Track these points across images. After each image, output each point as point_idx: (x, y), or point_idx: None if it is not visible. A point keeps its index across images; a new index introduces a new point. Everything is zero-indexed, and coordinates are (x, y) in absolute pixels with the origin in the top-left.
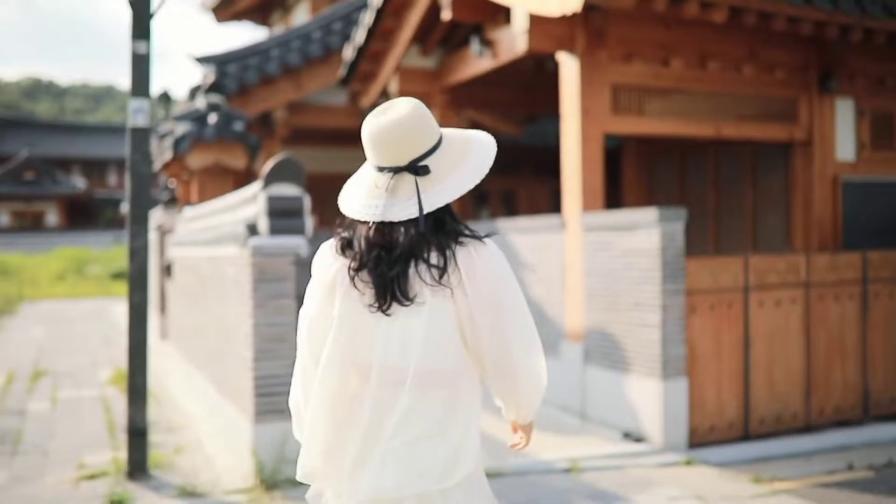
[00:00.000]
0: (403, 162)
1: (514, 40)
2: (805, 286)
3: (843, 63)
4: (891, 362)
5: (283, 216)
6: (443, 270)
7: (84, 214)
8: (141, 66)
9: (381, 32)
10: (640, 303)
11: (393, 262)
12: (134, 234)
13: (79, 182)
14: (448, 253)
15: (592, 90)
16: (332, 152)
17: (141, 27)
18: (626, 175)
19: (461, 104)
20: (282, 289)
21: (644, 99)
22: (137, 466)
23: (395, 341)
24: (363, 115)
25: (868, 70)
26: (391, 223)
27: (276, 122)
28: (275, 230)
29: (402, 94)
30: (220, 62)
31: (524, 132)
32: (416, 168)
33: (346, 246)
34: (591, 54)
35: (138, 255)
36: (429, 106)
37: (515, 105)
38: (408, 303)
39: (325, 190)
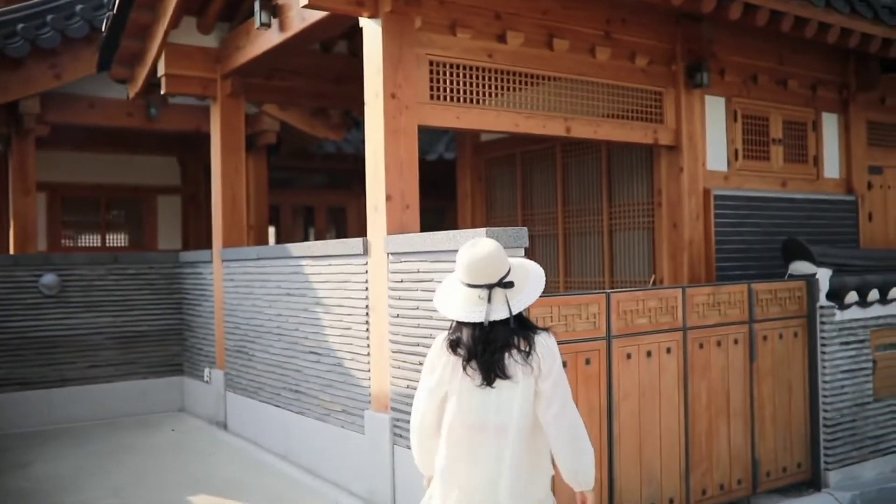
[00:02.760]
0: (494, 280)
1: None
2: (682, 330)
3: (712, 54)
4: (781, 421)
5: None
6: (528, 354)
7: None
8: None
9: None
10: None
11: (494, 351)
12: None
13: None
14: (531, 341)
15: (403, 67)
16: (104, 157)
17: None
18: (461, 189)
19: (256, 96)
20: None
21: (474, 83)
22: None
23: (500, 406)
24: (149, 109)
25: (740, 64)
26: (491, 323)
27: (25, 117)
28: None
29: (172, 79)
30: None
31: (350, 138)
32: (505, 283)
33: (455, 344)
34: (399, 18)
35: None
36: (207, 96)
37: (327, 101)
38: (507, 379)
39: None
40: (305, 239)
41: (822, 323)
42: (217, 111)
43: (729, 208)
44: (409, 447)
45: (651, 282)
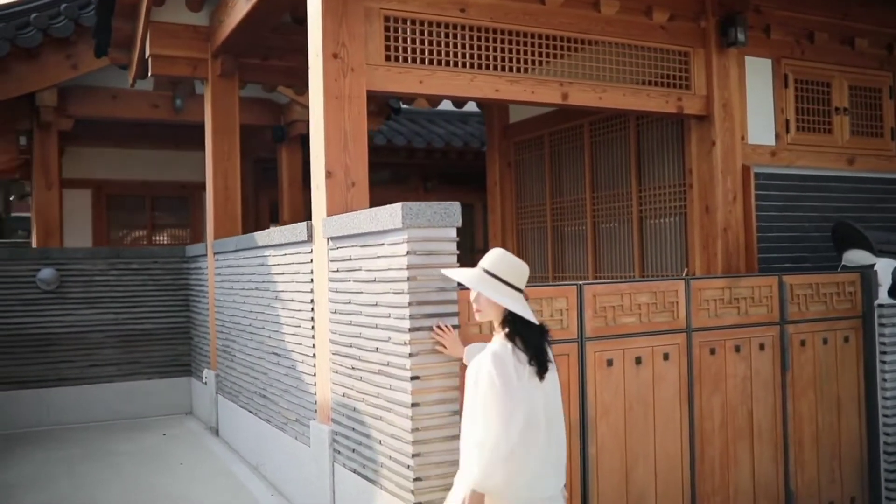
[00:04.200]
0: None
1: None
2: (686, 332)
3: (755, 7)
4: (827, 446)
5: None
6: None
7: None
8: None
9: None
10: (390, 364)
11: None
12: None
13: None
14: None
15: (347, 22)
16: (148, 153)
17: None
18: (490, 177)
19: (251, 77)
20: None
21: (442, 42)
22: None
23: (546, 397)
24: (174, 100)
25: (791, 19)
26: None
27: (42, 109)
28: None
29: (159, 60)
30: None
31: (420, 131)
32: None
33: (534, 352)
34: None
35: None
36: (198, 77)
37: None
38: (551, 370)
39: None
40: None
41: (882, 325)
42: (208, 93)
43: (776, 189)
44: (347, 467)
45: (684, 275)
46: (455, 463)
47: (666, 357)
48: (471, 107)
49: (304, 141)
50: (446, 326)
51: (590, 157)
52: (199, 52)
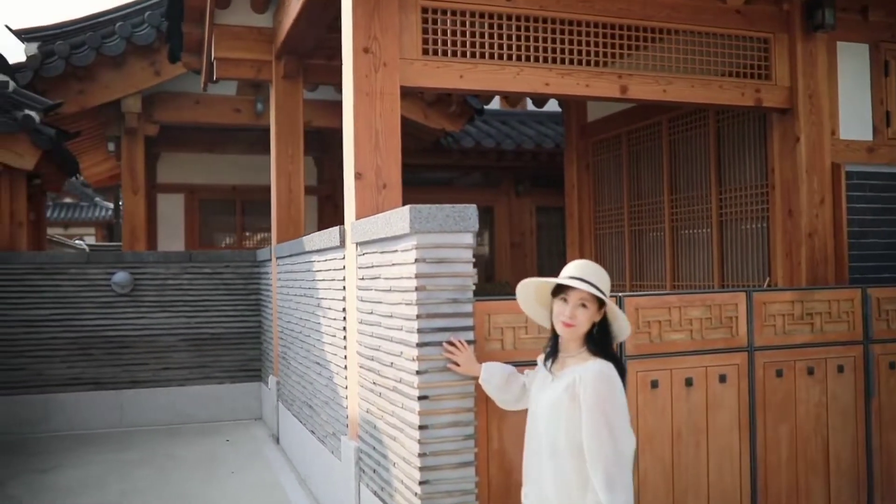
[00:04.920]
0: None
1: None
2: (747, 350)
3: None
4: None
5: None
6: None
7: None
8: None
9: None
10: (402, 381)
11: None
12: None
13: None
14: None
15: (380, 14)
16: (239, 157)
17: None
18: (567, 179)
19: (317, 78)
20: None
21: (486, 33)
22: None
23: None
24: (255, 105)
25: None
26: None
27: (127, 116)
28: None
29: (223, 63)
30: (46, 38)
31: (491, 132)
32: None
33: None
34: None
35: None
36: (263, 80)
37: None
38: None
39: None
40: None
41: None
42: (272, 95)
43: (872, 190)
44: (370, 488)
45: (766, 286)
46: (468, 492)
47: (723, 379)
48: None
49: None
50: (459, 342)
51: (668, 156)
52: (263, 54)
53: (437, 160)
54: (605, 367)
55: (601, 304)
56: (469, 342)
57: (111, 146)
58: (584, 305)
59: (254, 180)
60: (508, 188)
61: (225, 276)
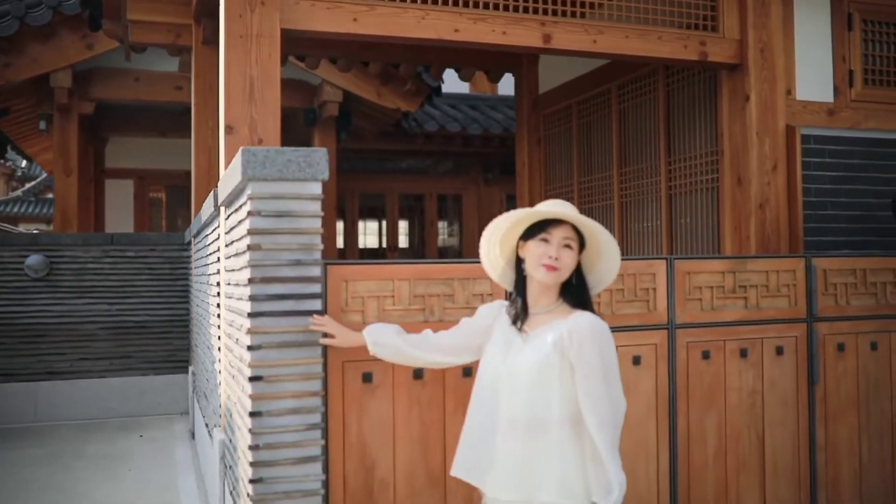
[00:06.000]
0: None
1: None
2: (667, 328)
3: None
4: (874, 485)
5: None
6: None
7: None
8: None
9: None
10: (242, 360)
11: None
12: None
13: None
14: None
15: None
16: (174, 141)
17: None
18: (519, 157)
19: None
20: None
21: None
22: None
23: None
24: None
25: None
26: None
27: (57, 91)
28: None
29: (137, 26)
30: None
31: (457, 116)
32: None
33: None
34: None
35: None
36: (182, 46)
37: (365, 54)
38: None
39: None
40: (415, 228)
41: None
42: (192, 63)
43: (832, 156)
44: (228, 486)
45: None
46: (312, 493)
47: (636, 361)
48: None
49: (338, 123)
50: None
51: (618, 127)
52: (182, 17)
53: (402, 146)
54: (599, 320)
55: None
56: (317, 313)
57: (42, 124)
58: (569, 246)
59: None
60: (477, 176)
61: (150, 261)
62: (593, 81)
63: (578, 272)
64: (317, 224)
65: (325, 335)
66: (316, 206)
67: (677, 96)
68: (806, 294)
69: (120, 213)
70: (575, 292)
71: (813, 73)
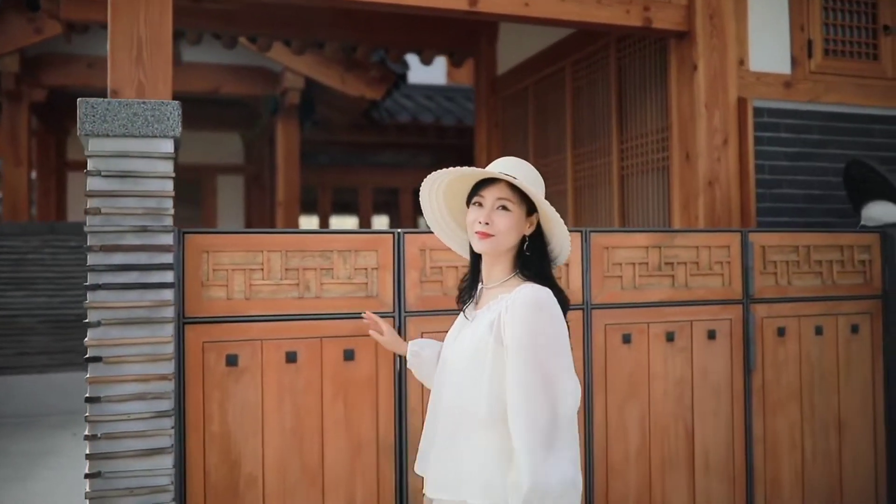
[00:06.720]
0: None
1: None
2: (582, 309)
3: None
4: (818, 483)
5: None
6: None
7: None
8: None
9: None
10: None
11: None
12: None
13: None
14: None
15: None
16: None
17: None
18: (477, 141)
19: (182, 23)
20: None
21: None
22: None
23: None
24: None
25: None
26: None
27: (4, 77)
28: None
29: (69, 2)
30: None
31: (430, 106)
32: None
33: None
34: None
35: None
36: None
37: (316, 32)
38: None
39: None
40: (393, 224)
41: None
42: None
43: (788, 130)
44: None
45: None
46: (161, 489)
47: None
48: None
49: (301, 110)
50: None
51: (571, 107)
52: None
53: (375, 137)
54: (540, 292)
55: (531, 212)
56: (169, 285)
57: None
58: (504, 208)
59: (183, 158)
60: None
61: None
62: (548, 59)
63: (536, 240)
64: (168, 186)
65: (376, 329)
66: (167, 166)
67: (629, 71)
68: (742, 273)
69: (81, 208)
70: (529, 262)
71: (768, 43)
